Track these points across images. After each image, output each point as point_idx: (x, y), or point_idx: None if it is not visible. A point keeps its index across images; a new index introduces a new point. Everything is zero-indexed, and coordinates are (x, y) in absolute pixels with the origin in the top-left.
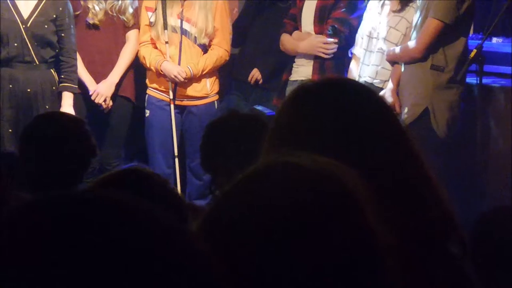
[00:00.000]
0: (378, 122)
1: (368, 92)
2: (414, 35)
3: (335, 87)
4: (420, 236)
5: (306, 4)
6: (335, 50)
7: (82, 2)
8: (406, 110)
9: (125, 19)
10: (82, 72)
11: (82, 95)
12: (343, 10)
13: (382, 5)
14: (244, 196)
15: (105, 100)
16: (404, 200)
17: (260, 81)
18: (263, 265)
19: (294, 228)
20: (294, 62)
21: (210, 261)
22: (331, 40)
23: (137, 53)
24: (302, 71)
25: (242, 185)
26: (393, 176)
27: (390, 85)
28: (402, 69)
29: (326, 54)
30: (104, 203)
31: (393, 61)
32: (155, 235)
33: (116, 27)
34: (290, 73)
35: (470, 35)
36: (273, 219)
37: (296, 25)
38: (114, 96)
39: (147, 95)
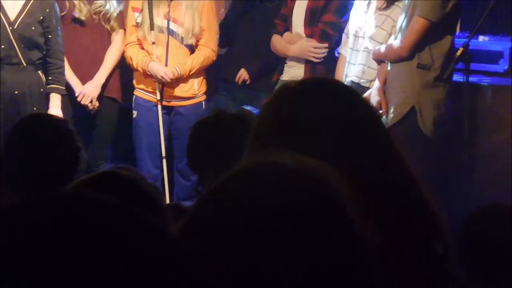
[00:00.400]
0: (363, 123)
1: (352, 93)
2: (399, 36)
3: (319, 88)
4: (405, 235)
5: (296, 4)
6: (326, 54)
7: (67, 3)
8: (392, 109)
9: (109, 28)
10: (68, 73)
11: (68, 96)
12: (333, 13)
13: (368, 4)
14: (231, 195)
15: (91, 101)
16: (388, 201)
17: (248, 81)
18: (257, 265)
19: (287, 228)
20: (286, 63)
21: (204, 261)
22: (322, 45)
23: (123, 54)
24: (294, 71)
25: (228, 185)
26: (378, 177)
27: (376, 84)
28: (389, 68)
29: (316, 58)
30: (104, 203)
31: (380, 60)
32: (155, 235)
33: (102, 28)
34: (281, 73)
35: (457, 33)
36: (264, 219)
37: (287, 25)
38: (100, 97)
39: (134, 96)
